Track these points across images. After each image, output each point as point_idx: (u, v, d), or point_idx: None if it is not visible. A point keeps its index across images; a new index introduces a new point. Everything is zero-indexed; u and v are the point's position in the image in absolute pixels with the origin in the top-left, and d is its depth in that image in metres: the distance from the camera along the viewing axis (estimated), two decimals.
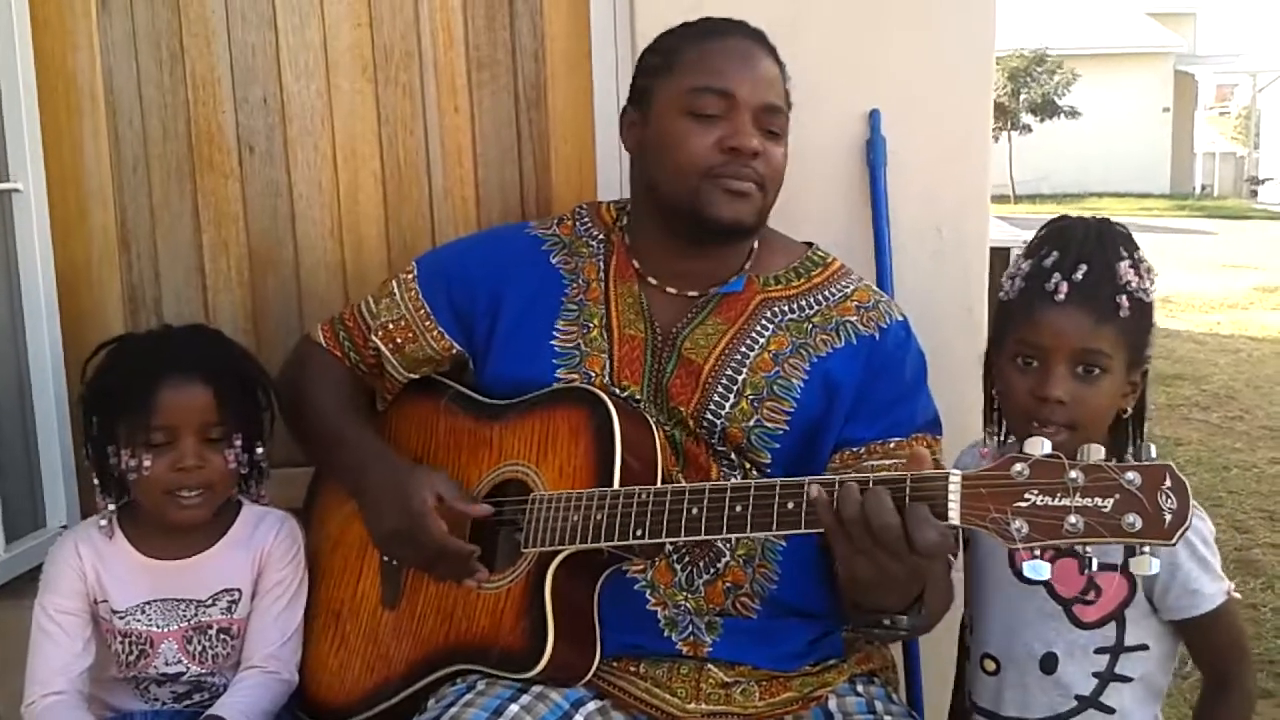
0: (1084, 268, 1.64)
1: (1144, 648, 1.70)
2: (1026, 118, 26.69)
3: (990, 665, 1.77)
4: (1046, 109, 26.62)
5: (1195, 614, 1.66)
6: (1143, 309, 1.66)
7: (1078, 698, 1.71)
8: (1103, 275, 1.64)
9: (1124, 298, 1.63)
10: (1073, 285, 1.63)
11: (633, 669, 1.75)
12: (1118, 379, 1.65)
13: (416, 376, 1.99)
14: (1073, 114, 26.45)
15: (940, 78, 2.24)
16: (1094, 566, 1.36)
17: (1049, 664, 1.71)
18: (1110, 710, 1.70)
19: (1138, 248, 1.69)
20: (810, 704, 1.77)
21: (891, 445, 1.81)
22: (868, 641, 1.88)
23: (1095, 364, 1.63)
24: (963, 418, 1.97)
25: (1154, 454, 1.33)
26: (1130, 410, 1.71)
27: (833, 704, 1.78)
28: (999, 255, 3.36)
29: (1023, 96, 26.58)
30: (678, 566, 1.76)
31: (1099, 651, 1.70)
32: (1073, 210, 1.74)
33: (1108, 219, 1.73)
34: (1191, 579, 1.64)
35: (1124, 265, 1.64)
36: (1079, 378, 1.63)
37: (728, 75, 1.79)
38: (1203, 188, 30.13)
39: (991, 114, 2.30)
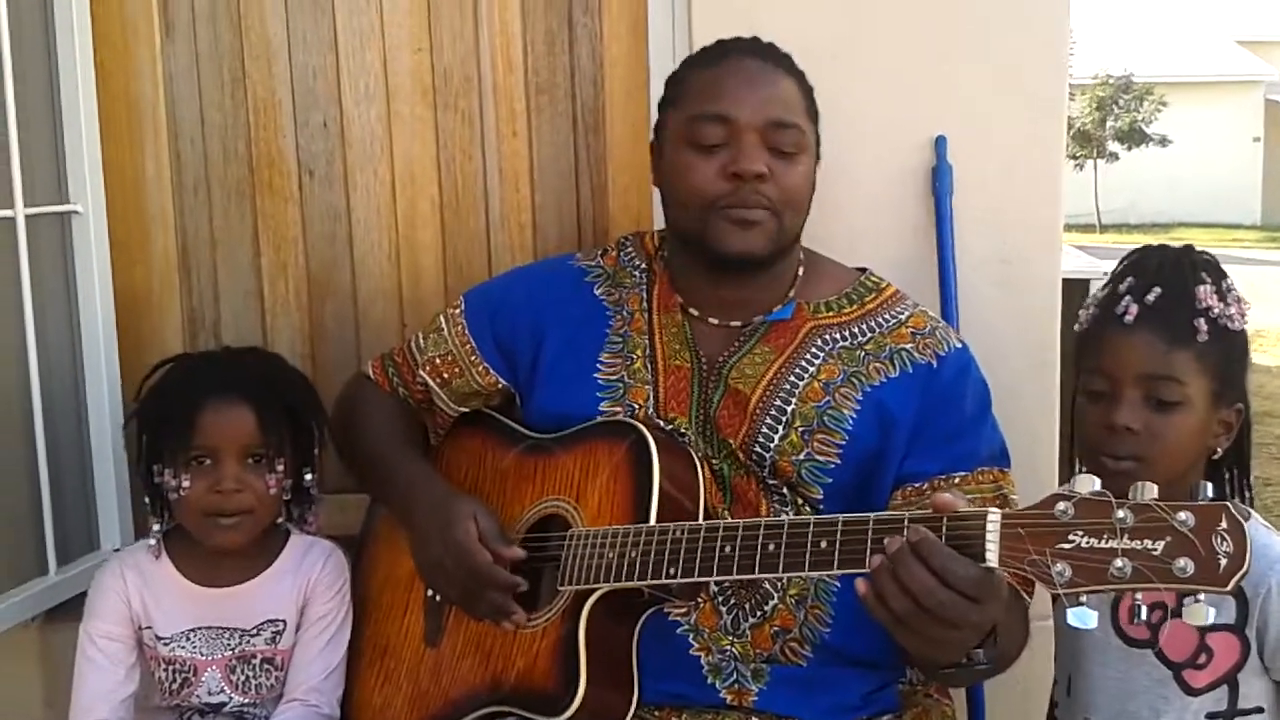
0: (1158, 290, 1.56)
1: (1259, 710, 1.58)
2: (1114, 145, 26.22)
3: None
4: (1134, 137, 26.13)
5: None
6: (1228, 338, 1.56)
7: None
8: (1178, 298, 1.55)
9: (1201, 321, 1.54)
10: (1144, 307, 1.55)
11: None
12: (1198, 413, 1.55)
13: (466, 410, 1.96)
14: (1163, 142, 25.92)
15: (1010, 103, 2.15)
16: (1143, 615, 1.27)
17: None
18: None
19: (1225, 275, 1.60)
20: None
21: (956, 480, 1.72)
22: (929, 690, 1.81)
23: (1169, 393, 1.53)
24: (1033, 461, 1.88)
25: (1210, 493, 1.24)
26: (1222, 452, 1.60)
27: None
28: (1077, 287, 3.22)
29: (1109, 124, 26.11)
30: (723, 609, 1.70)
31: (1210, 717, 1.59)
32: (1160, 240, 1.65)
33: (1192, 246, 1.64)
34: None
35: (1204, 289, 1.55)
36: (1152, 408, 1.54)
37: (724, 99, 1.72)
38: None
39: (1064, 142, 2.21)
